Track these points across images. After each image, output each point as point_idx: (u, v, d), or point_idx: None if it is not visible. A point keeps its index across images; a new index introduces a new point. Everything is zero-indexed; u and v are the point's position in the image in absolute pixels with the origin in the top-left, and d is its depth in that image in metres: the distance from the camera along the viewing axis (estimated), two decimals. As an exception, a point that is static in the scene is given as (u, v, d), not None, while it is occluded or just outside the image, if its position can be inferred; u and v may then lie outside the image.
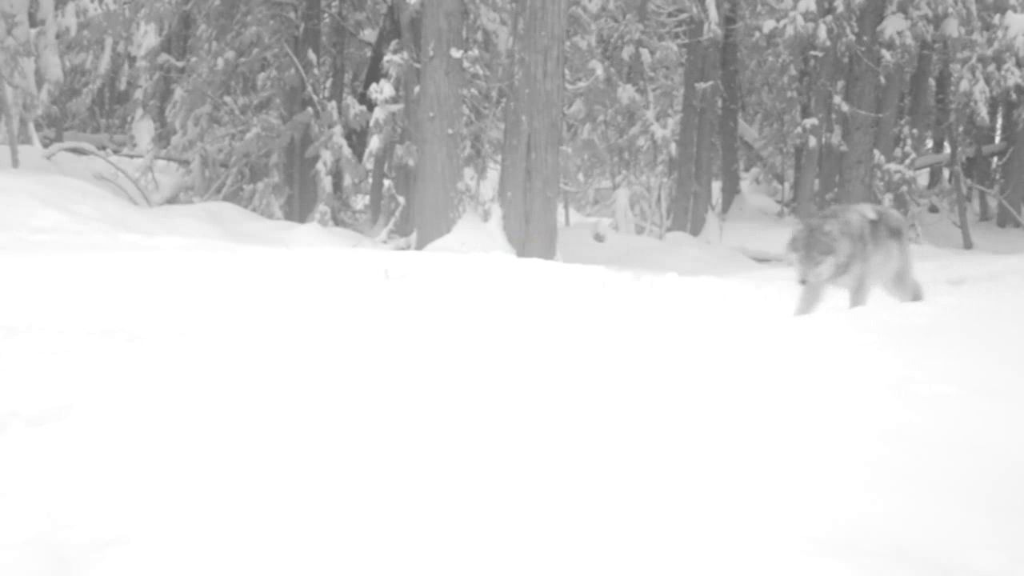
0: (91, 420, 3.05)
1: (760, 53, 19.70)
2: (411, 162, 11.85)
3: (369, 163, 13.12)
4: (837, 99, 14.85)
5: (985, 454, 2.22)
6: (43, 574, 1.64)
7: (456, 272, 7.26)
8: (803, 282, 5.05)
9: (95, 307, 4.99)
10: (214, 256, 6.82)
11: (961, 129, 21.31)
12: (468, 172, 11.86)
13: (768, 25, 14.70)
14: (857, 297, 5.40)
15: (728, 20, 17.90)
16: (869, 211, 5.43)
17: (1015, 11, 14.85)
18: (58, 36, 14.09)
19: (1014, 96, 17.87)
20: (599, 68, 13.64)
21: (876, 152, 14.97)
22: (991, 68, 16.72)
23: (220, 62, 14.30)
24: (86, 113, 22.56)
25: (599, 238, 14.37)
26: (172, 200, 14.62)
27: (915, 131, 18.13)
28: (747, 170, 25.43)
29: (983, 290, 7.01)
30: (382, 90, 12.31)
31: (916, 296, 5.79)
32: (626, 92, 14.87)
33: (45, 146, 15.40)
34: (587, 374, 3.04)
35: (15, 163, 12.28)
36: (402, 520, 1.82)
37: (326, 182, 13.83)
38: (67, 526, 1.82)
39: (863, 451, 2.20)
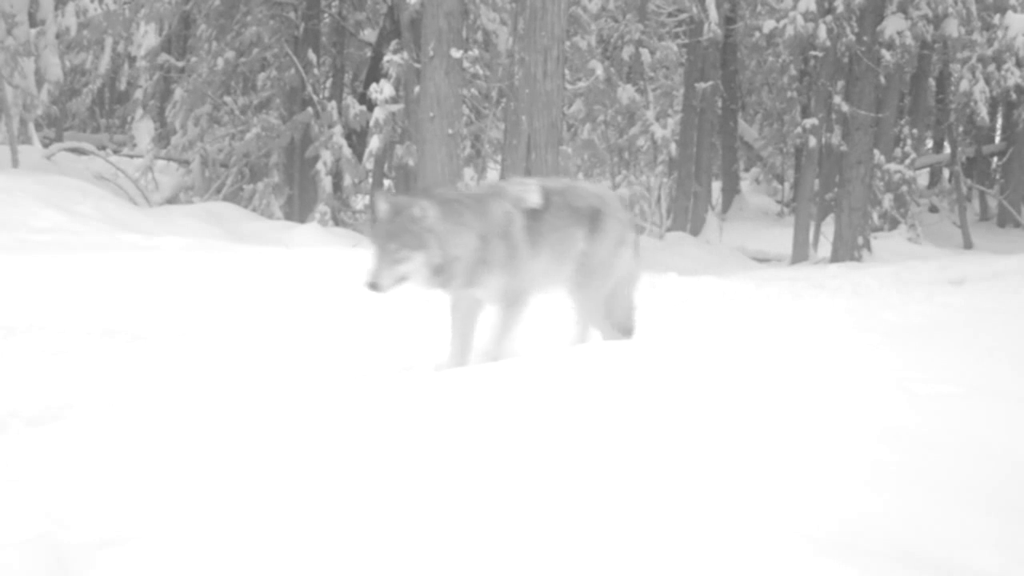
0: (91, 420, 3.05)
1: (760, 53, 19.70)
2: (411, 162, 11.85)
3: (369, 163, 13.12)
4: (837, 99, 14.84)
5: (986, 454, 2.22)
6: (43, 574, 1.63)
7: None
8: (372, 287, 3.54)
9: (95, 307, 4.99)
10: (214, 256, 6.82)
11: (961, 129, 21.33)
12: (468, 172, 11.87)
13: (768, 25, 14.69)
14: (504, 324, 3.82)
15: (728, 20, 17.90)
16: (530, 192, 3.91)
17: (1015, 11, 14.84)
18: (58, 36, 14.09)
19: (1014, 96, 17.88)
20: (599, 68, 13.64)
21: (876, 152, 14.97)
22: (991, 68, 16.73)
23: (220, 62, 14.31)
24: (86, 113, 22.56)
25: (599, 238, 14.34)
26: (172, 200, 14.62)
27: (915, 131, 18.14)
28: (747, 170, 25.45)
29: (983, 290, 7.01)
30: (382, 90, 12.31)
31: (624, 327, 4.18)
32: (626, 92, 14.87)
33: (45, 146, 15.40)
34: (586, 374, 3.03)
35: (15, 163, 12.28)
36: (398, 517, 1.82)
37: (326, 182, 13.83)
38: (67, 526, 1.82)
39: (863, 451, 2.20)
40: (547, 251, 3.88)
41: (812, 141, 15.08)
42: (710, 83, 17.49)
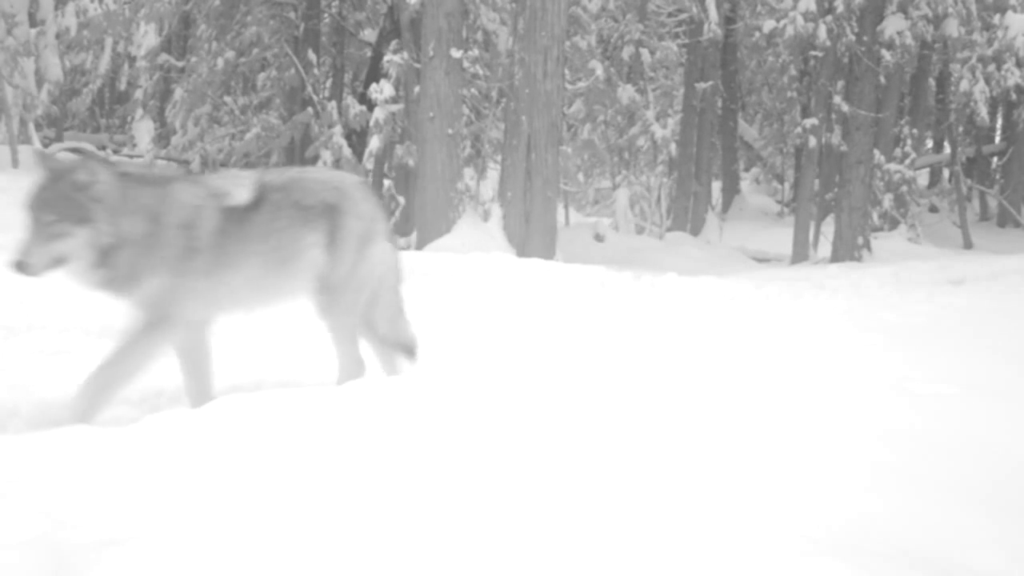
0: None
1: (760, 53, 19.73)
2: (411, 162, 11.85)
3: (369, 163, 13.13)
4: (837, 99, 14.85)
5: (986, 454, 2.22)
6: (43, 574, 1.63)
7: (456, 272, 7.25)
8: (18, 267, 2.84)
9: (95, 307, 4.98)
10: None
11: (961, 129, 21.34)
12: (468, 172, 11.86)
13: (768, 25, 14.70)
14: (122, 352, 3.03)
15: (728, 20, 17.92)
16: (238, 186, 3.19)
17: (1015, 11, 14.85)
18: (58, 36, 14.11)
19: (1014, 96, 17.88)
20: (599, 68, 13.65)
21: (876, 152, 14.98)
22: (991, 68, 16.73)
23: (220, 62, 14.32)
24: (86, 113, 22.58)
25: (599, 238, 14.37)
26: (172, 200, 14.61)
27: (915, 131, 18.14)
28: (747, 170, 25.48)
29: (983, 290, 7.01)
30: (382, 90, 12.32)
31: (400, 342, 3.53)
32: (626, 92, 14.88)
33: (45, 146, 15.42)
34: (585, 375, 3.03)
35: (15, 163, 12.30)
36: (399, 516, 1.82)
37: (326, 182, 13.82)
38: (67, 526, 1.82)
39: (864, 451, 2.20)
40: (257, 259, 3.18)
41: (812, 141, 15.08)
42: (710, 83, 17.50)
